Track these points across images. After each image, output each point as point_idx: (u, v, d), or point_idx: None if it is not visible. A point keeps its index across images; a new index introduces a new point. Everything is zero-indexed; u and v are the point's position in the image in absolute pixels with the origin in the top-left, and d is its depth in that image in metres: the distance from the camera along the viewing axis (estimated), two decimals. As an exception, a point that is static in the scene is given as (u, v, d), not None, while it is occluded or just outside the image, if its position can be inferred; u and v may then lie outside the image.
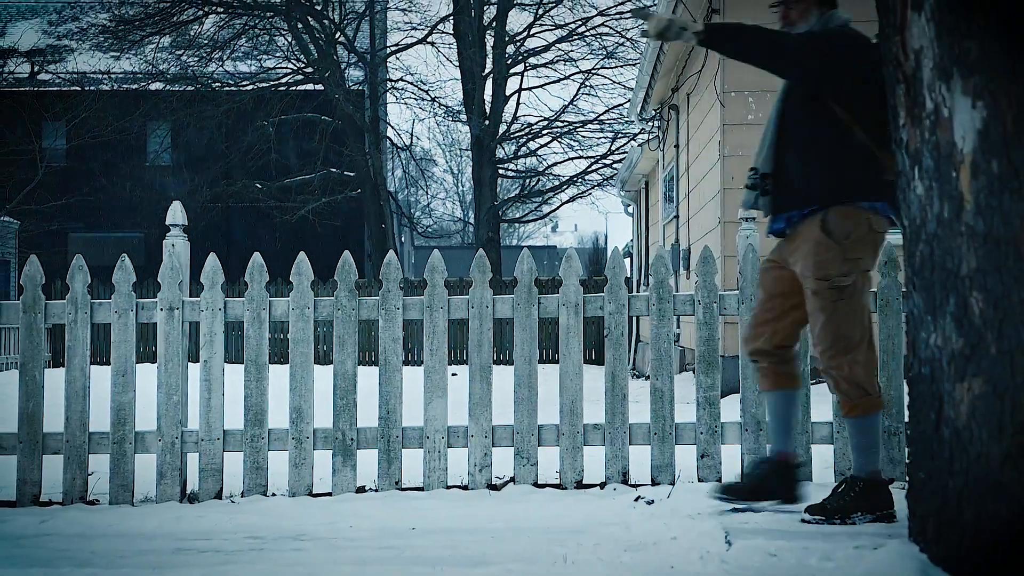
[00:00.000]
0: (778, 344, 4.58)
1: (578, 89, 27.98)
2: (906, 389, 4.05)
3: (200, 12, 26.36)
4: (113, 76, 28.02)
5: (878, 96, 4.07)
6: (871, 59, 4.23)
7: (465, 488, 5.55)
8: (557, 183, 29.52)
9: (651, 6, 23.14)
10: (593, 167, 28.54)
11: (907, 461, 3.78)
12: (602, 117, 27.95)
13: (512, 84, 28.10)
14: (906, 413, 4.78)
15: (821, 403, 5.77)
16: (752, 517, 4.52)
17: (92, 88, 27.58)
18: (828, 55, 4.33)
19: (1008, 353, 3.18)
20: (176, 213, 5.70)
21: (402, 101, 30.04)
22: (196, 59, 26.80)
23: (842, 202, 4.32)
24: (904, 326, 4.66)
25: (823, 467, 5.59)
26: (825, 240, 4.33)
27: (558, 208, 32.13)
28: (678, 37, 4.40)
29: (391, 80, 29.36)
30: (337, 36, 27.00)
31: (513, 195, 31.66)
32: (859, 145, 4.29)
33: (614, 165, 27.11)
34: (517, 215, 32.79)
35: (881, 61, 3.65)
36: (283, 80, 27.45)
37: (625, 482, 5.50)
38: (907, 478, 3.80)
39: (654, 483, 5.49)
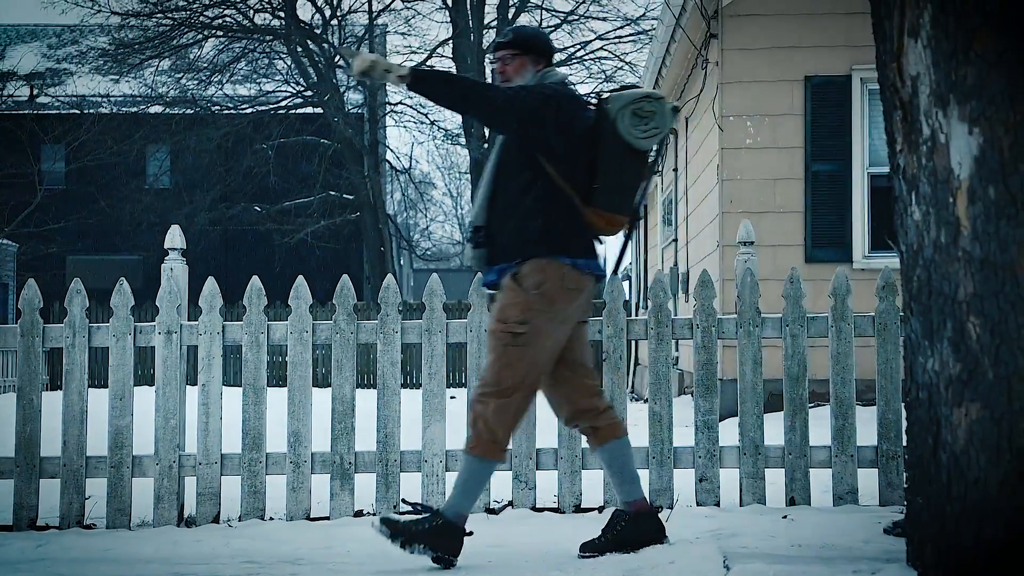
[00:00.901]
0: (579, 405, 4.53)
1: (577, 113, 28.04)
2: (904, 413, 4.06)
3: (199, 36, 26.44)
4: (112, 99, 28.10)
5: (586, 154, 4.21)
6: (581, 117, 4.33)
7: (463, 512, 5.53)
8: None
9: (651, 30, 23.24)
10: (592, 190, 28.59)
11: (905, 486, 3.78)
12: (600, 140, 28.01)
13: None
14: (904, 437, 4.77)
15: (817, 426, 5.76)
16: (750, 542, 4.51)
17: (91, 111, 27.65)
18: (535, 110, 4.29)
19: (1005, 378, 3.19)
20: (175, 237, 5.70)
21: (401, 124, 30.15)
22: (195, 82, 26.87)
23: (540, 255, 4.28)
24: (901, 350, 4.66)
25: (821, 491, 5.59)
26: (515, 288, 4.30)
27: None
28: (382, 79, 4.39)
29: (390, 103, 29.45)
30: (336, 59, 27.10)
31: (512, 218, 31.68)
32: (565, 201, 4.29)
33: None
34: (516, 238, 32.79)
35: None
36: (282, 103, 27.52)
37: (623, 506, 5.48)
38: (905, 503, 3.80)
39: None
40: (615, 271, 4.99)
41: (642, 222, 20.63)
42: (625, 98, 4.31)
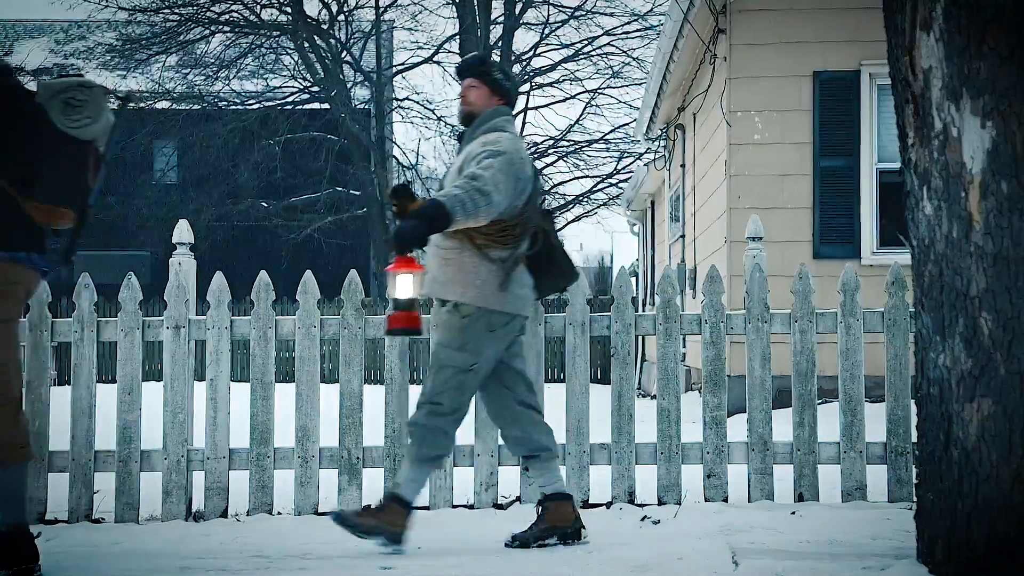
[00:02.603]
0: None
1: (584, 108, 28.02)
2: (914, 409, 4.04)
3: (207, 31, 26.42)
4: (119, 94, 28.12)
5: (19, 142, 3.96)
6: (13, 106, 4.04)
7: (471, 507, 5.53)
8: (563, 202, 29.53)
9: (659, 25, 23.21)
10: (599, 186, 28.54)
11: (915, 482, 3.77)
12: (608, 136, 27.96)
13: (518, 103, 28.18)
14: (914, 434, 4.76)
15: (826, 423, 5.75)
16: (759, 538, 4.50)
17: (99, 107, 27.63)
18: None
19: (1018, 374, 3.18)
20: (182, 232, 5.70)
21: (408, 120, 30.10)
22: (202, 78, 26.86)
23: None
24: (912, 346, 4.65)
25: (830, 487, 5.57)
26: None
27: (563, 227, 32.12)
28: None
29: (397, 99, 29.42)
30: (343, 55, 27.07)
31: (518, 214, 31.65)
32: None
33: (620, 184, 27.12)
34: (522, 234, 32.77)
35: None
36: (289, 99, 27.50)
37: (631, 502, 5.48)
38: (915, 499, 3.79)
39: (660, 503, 5.47)
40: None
41: (650, 218, 20.62)
42: (55, 87, 4.08)
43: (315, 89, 27.21)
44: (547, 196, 29.80)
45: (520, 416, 4.73)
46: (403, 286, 4.48)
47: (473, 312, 4.53)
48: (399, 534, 4.49)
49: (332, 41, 26.79)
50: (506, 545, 4.59)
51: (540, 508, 4.69)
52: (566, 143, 28.46)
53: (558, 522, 4.63)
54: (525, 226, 4.61)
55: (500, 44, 27.32)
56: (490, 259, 4.53)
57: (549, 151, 28.60)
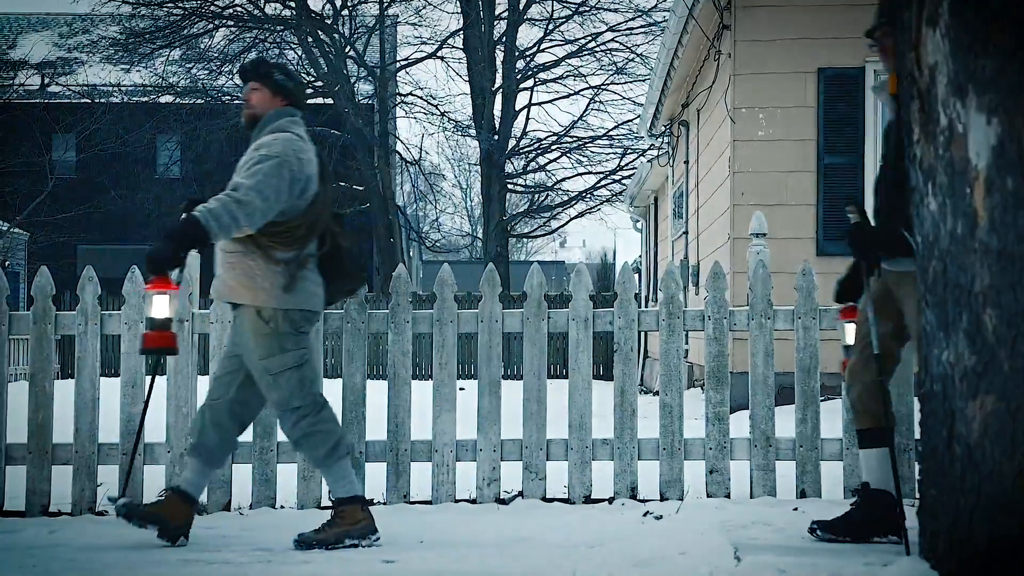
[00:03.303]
0: None
1: (588, 104, 27.98)
2: (917, 406, 4.04)
3: (210, 25, 26.40)
4: (123, 89, 28.07)
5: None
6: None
7: (473, 502, 5.54)
8: (566, 198, 29.50)
9: (663, 21, 23.18)
10: (602, 183, 28.52)
11: (918, 478, 3.77)
12: (612, 133, 27.94)
13: (522, 99, 28.11)
14: (917, 430, 4.76)
15: (829, 419, 5.75)
16: (761, 533, 4.51)
17: (102, 101, 27.64)
18: None
19: (1021, 370, 3.18)
20: (187, 225, 5.70)
21: (411, 115, 30.08)
22: (206, 72, 26.83)
23: None
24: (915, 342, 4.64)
25: (832, 483, 5.57)
26: None
27: (567, 223, 32.11)
28: None
29: (400, 94, 29.40)
30: (347, 50, 27.04)
31: (522, 210, 31.61)
32: None
33: (623, 181, 27.09)
34: (525, 230, 32.75)
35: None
36: (293, 94, 27.50)
37: (634, 497, 5.49)
38: (917, 495, 3.79)
39: (663, 498, 5.48)
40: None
41: (653, 214, 20.60)
42: None
43: (318, 84, 27.18)
44: (550, 192, 29.82)
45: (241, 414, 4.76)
46: (158, 306, 4.58)
47: (273, 314, 4.53)
48: (368, 529, 4.54)
49: (336, 36, 26.78)
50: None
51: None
52: (569, 139, 28.44)
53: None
54: (312, 226, 4.62)
55: (504, 39, 27.30)
56: (275, 260, 4.53)
57: (552, 147, 28.58)
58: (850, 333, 4.49)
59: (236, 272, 4.56)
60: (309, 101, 27.50)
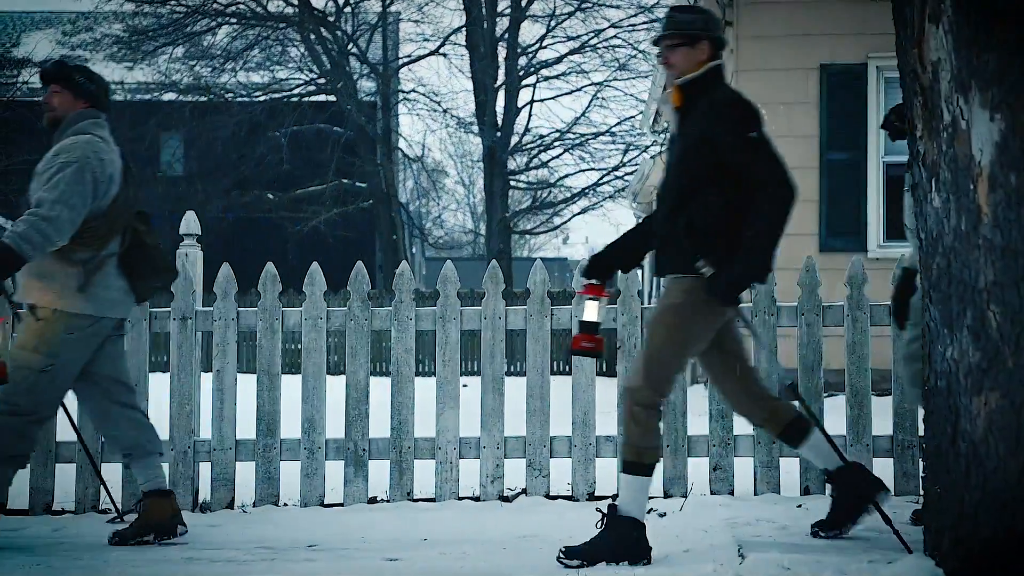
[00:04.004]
0: None
1: (590, 101, 27.94)
2: (921, 402, 4.04)
3: (213, 23, 26.41)
4: (126, 86, 28.07)
5: None
6: None
7: (477, 499, 5.54)
8: (568, 195, 29.48)
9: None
10: (605, 179, 28.48)
11: (922, 475, 3.76)
12: (614, 129, 27.89)
13: (524, 96, 28.09)
14: (920, 427, 4.75)
15: (833, 416, 5.74)
16: (765, 531, 4.50)
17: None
18: None
19: (1025, 367, 3.17)
20: (190, 223, 5.71)
21: (414, 112, 30.06)
22: (209, 70, 26.84)
23: None
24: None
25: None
26: None
27: (569, 220, 32.11)
28: None
29: (403, 91, 29.38)
30: (350, 47, 27.04)
31: (524, 207, 31.62)
32: None
33: (626, 177, 27.06)
34: (528, 227, 32.74)
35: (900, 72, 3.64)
36: (295, 91, 27.47)
37: (637, 494, 5.47)
38: (921, 492, 3.78)
39: (666, 496, 5.47)
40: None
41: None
42: None
43: (321, 81, 27.20)
44: (552, 188, 29.81)
45: (117, 416, 4.74)
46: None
47: (49, 315, 4.49)
48: None
49: (338, 33, 26.79)
50: (108, 542, 4.56)
51: (139, 505, 4.71)
52: (572, 136, 28.41)
53: (155, 518, 4.63)
54: (112, 225, 4.61)
55: (506, 36, 27.29)
56: (72, 261, 4.50)
57: (555, 143, 28.56)
58: (590, 309, 4.32)
59: (32, 271, 4.50)
60: (312, 98, 27.54)
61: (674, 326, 4.08)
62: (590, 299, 4.33)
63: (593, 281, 4.36)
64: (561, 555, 4.02)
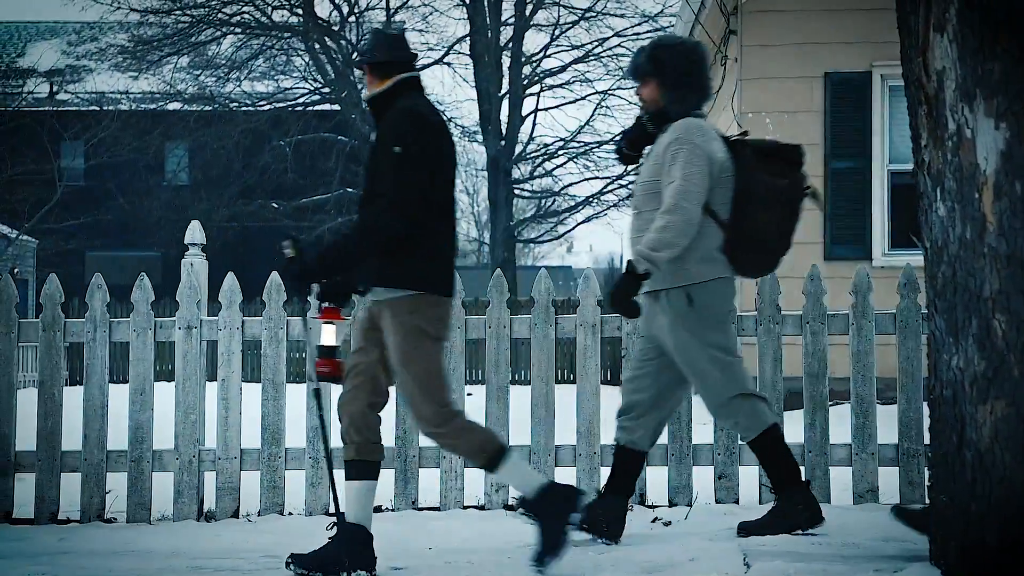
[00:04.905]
0: None
1: (594, 109, 27.98)
2: (926, 411, 4.03)
3: (218, 32, 26.48)
4: (131, 96, 28.16)
5: None
6: None
7: (482, 508, 5.53)
8: (573, 203, 29.51)
9: (670, 26, 23.17)
10: (609, 187, 28.50)
11: (928, 484, 3.76)
12: (618, 137, 27.94)
13: (528, 104, 28.15)
14: (926, 436, 4.75)
15: (837, 424, 5.73)
16: (770, 540, 4.49)
17: (110, 108, 27.70)
18: None
19: (1031, 375, 3.17)
20: (195, 232, 5.72)
21: (418, 121, 30.04)
22: (214, 79, 26.91)
23: None
24: (923, 348, 4.64)
25: (841, 489, 5.55)
26: None
27: (574, 228, 32.11)
28: None
29: (407, 100, 29.40)
30: (354, 56, 27.11)
31: (528, 215, 31.65)
32: None
33: (630, 186, 27.10)
34: (532, 235, 32.75)
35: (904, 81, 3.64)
36: (300, 100, 27.54)
37: (642, 503, 5.47)
38: (927, 501, 3.78)
39: (671, 504, 5.47)
40: None
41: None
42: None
43: (326, 90, 27.25)
44: (556, 197, 29.81)
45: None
46: None
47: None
48: None
49: (343, 42, 26.82)
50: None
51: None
52: (576, 144, 28.43)
53: None
54: None
55: (510, 45, 27.33)
56: None
57: (559, 152, 28.58)
58: (327, 334, 4.27)
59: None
60: (316, 108, 27.59)
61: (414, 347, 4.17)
62: (326, 323, 4.28)
63: (329, 305, 4.32)
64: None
